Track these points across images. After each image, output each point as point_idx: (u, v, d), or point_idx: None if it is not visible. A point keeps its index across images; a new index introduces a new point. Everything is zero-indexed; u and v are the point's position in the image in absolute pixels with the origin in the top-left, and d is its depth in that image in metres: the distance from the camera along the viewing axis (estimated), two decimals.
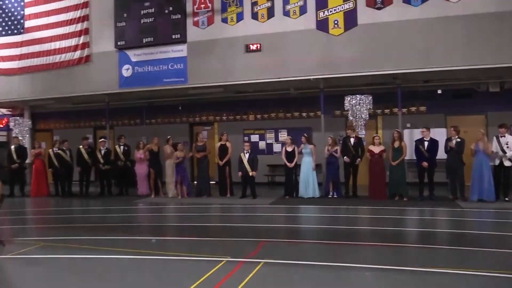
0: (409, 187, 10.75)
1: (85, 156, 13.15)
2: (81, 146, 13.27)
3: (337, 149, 11.36)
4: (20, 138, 14.24)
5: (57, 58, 14.22)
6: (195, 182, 13.00)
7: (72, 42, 14.04)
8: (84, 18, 13.94)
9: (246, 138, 14.69)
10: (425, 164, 10.32)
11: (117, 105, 15.63)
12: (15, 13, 14.95)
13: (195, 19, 12.65)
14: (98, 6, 13.78)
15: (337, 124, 13.63)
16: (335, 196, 11.37)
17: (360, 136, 11.55)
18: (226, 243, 6.91)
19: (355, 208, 9.91)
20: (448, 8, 10.52)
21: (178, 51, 12.81)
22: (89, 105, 16.37)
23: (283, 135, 14.26)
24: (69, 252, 6.40)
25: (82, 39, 13.90)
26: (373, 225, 8.42)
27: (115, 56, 13.53)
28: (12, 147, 13.73)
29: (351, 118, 11.50)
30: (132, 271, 5.48)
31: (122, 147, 13.26)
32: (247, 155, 11.55)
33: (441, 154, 10.47)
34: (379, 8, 11.07)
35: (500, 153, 9.86)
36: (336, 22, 11.41)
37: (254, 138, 14.96)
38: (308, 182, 11.36)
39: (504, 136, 9.91)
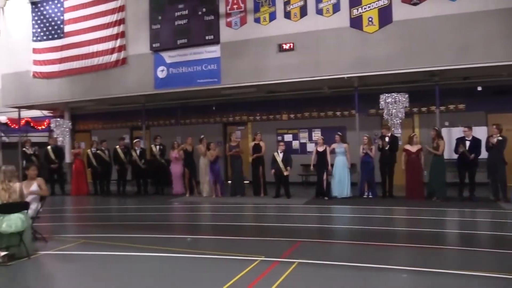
0: (448, 188, 10.42)
1: (121, 155, 13.50)
2: (117, 146, 13.65)
3: (372, 149, 11.17)
4: (60, 138, 14.74)
5: (95, 61, 14.62)
6: (229, 182, 13.08)
7: (109, 45, 14.40)
8: (121, 22, 14.27)
9: (279, 138, 14.65)
10: (471, 156, 9.91)
11: (153, 105, 15.96)
12: (55, 19, 15.48)
13: (228, 19, 12.72)
14: (133, 10, 14.07)
15: (372, 123, 13.39)
16: (370, 196, 11.20)
17: (395, 135, 11.31)
18: (260, 243, 6.91)
19: (390, 209, 9.72)
20: (488, 1, 10.13)
21: (212, 52, 12.91)
22: (126, 106, 16.77)
23: (317, 135, 14.15)
24: (107, 249, 6.58)
25: (118, 42, 14.24)
26: (409, 226, 8.23)
27: (151, 58, 13.79)
28: (49, 147, 14.24)
29: (386, 117, 11.27)
30: (167, 269, 5.56)
31: (158, 147, 13.52)
32: (281, 155, 11.52)
33: (483, 154, 10.10)
34: (415, 4, 10.78)
35: None
36: (370, 19, 11.21)
37: (288, 137, 14.91)
38: (342, 181, 11.24)
39: None
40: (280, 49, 12.03)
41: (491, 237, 7.17)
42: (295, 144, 14.91)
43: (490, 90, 12.35)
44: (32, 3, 15.90)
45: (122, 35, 14.24)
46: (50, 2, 15.57)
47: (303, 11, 11.89)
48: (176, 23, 13.30)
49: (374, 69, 11.13)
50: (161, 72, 13.63)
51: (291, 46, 11.93)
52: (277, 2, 12.15)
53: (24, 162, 13.24)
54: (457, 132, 11.23)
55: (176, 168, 13.13)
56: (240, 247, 6.55)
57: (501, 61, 10.09)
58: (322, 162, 11.21)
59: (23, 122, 16.90)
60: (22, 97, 15.99)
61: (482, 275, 4.83)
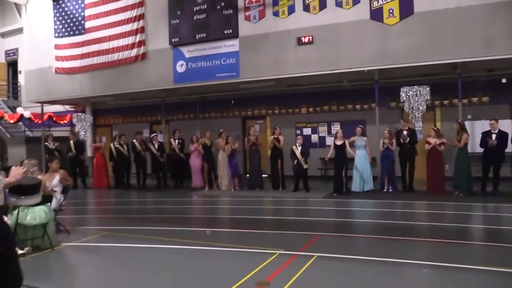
0: (473, 182, 10.21)
1: (139, 148, 13.65)
2: (134, 140, 13.80)
3: (393, 142, 11.03)
4: (82, 133, 14.98)
5: (115, 56, 14.79)
6: (248, 176, 13.11)
7: (129, 40, 14.53)
8: (140, 17, 14.39)
9: (298, 132, 14.60)
10: (492, 142, 9.63)
11: (172, 100, 16.06)
12: (76, 15, 15.70)
13: (247, 13, 12.69)
14: (153, 5, 14.16)
15: (392, 116, 13.19)
16: (390, 190, 11.07)
17: (416, 128, 11.14)
18: (280, 236, 6.92)
19: (411, 203, 9.60)
20: None
21: (230, 46, 12.91)
22: (146, 101, 16.93)
23: (336, 128, 14.02)
24: (128, 241, 6.67)
25: (138, 37, 14.36)
26: (430, 220, 8.11)
27: (170, 53, 13.87)
28: (71, 141, 14.49)
29: (407, 110, 11.09)
30: (186, 261, 5.60)
31: (177, 140, 13.63)
32: (299, 148, 11.47)
33: (508, 148, 9.86)
34: None
35: None
36: (391, 11, 11.02)
37: (307, 131, 14.84)
38: (363, 175, 11.15)
39: None
40: (299, 42, 11.94)
41: None
42: (314, 138, 14.82)
43: None
44: (54, 0, 16.16)
45: (141, 30, 14.35)
46: None
47: (322, 4, 11.75)
48: (195, 17, 13.33)
49: (395, 62, 10.95)
50: (180, 67, 13.70)
51: (310, 39, 11.83)
52: None
53: (47, 156, 13.50)
54: (480, 125, 10.99)
55: (195, 162, 13.22)
56: (259, 240, 6.56)
57: None
58: (341, 156, 11.05)
59: (46, 116, 17.24)
60: (44, 92, 16.32)
61: (504, 271, 4.73)
